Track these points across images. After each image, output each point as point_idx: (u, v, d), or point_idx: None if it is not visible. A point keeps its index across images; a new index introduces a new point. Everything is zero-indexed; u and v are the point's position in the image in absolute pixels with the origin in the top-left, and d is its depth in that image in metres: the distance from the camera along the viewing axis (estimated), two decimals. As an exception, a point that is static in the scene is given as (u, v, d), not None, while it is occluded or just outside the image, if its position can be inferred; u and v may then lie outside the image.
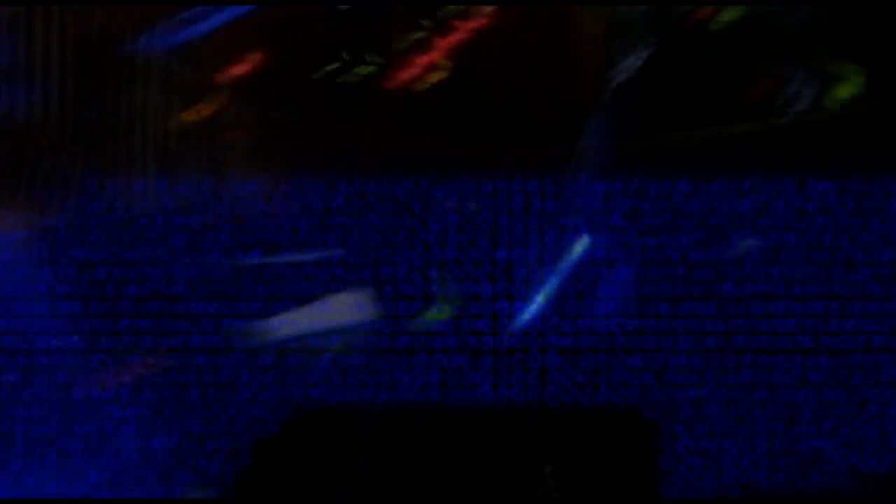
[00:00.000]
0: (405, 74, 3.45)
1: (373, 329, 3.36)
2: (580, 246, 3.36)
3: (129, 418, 3.32)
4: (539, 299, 3.38)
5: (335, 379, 3.36)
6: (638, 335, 3.36)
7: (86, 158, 3.33)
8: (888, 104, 3.37)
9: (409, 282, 3.38)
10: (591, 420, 3.34)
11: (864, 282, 3.31)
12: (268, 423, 3.35)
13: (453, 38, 3.47)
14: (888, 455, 3.32)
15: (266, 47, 3.46)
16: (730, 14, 3.46)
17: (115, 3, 3.39)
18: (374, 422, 3.33)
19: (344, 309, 3.36)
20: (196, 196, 3.37)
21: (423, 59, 3.47)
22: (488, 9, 3.48)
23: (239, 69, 3.45)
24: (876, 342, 3.32)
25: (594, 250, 3.37)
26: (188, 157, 3.36)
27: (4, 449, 3.31)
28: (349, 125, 3.45)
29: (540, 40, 3.48)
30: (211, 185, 3.36)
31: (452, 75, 3.48)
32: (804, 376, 3.32)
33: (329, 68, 3.48)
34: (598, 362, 3.35)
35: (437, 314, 3.36)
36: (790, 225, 3.33)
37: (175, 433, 3.31)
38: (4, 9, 3.30)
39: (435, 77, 3.47)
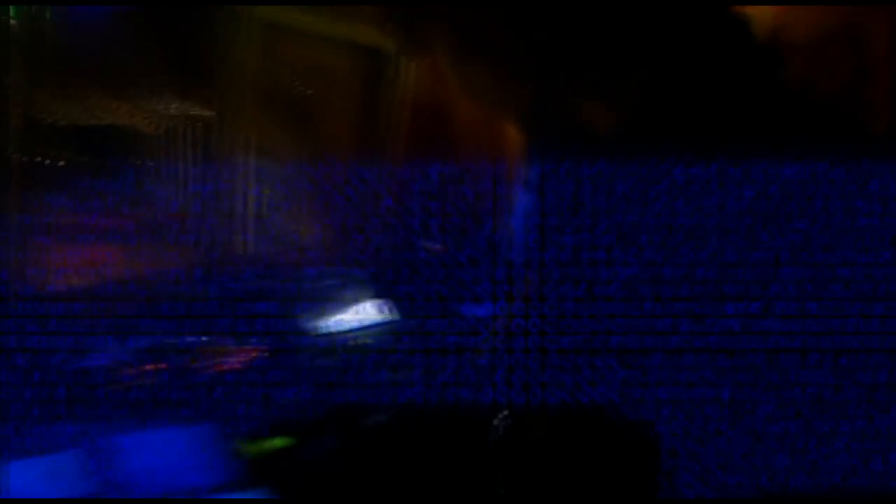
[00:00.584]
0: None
1: (374, 329, 3.38)
2: (582, 243, 3.37)
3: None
4: (539, 298, 3.38)
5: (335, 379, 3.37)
6: (639, 334, 3.36)
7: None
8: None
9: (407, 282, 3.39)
10: (590, 420, 3.34)
11: None
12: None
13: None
14: (888, 455, 3.31)
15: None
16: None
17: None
18: (373, 422, 3.34)
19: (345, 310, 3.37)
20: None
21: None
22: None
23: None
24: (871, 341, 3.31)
25: (595, 248, 3.38)
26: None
27: None
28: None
29: None
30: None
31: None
32: (807, 375, 3.32)
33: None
34: (598, 362, 3.35)
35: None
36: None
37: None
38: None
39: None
